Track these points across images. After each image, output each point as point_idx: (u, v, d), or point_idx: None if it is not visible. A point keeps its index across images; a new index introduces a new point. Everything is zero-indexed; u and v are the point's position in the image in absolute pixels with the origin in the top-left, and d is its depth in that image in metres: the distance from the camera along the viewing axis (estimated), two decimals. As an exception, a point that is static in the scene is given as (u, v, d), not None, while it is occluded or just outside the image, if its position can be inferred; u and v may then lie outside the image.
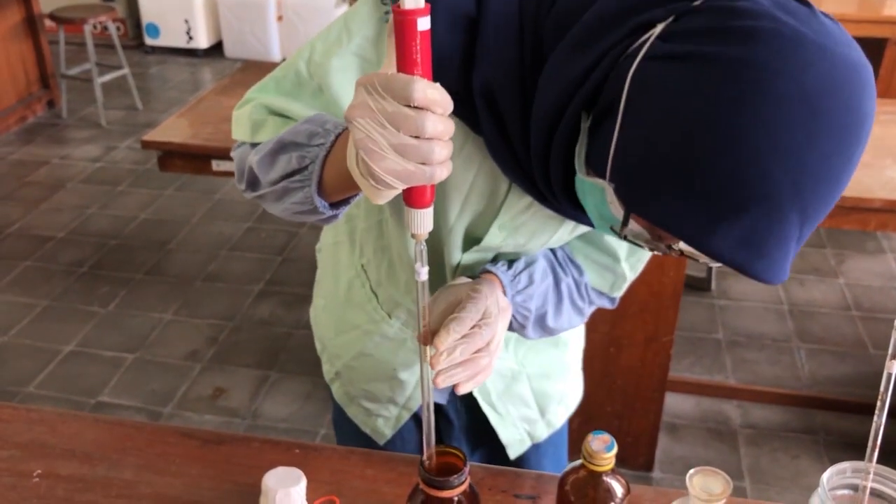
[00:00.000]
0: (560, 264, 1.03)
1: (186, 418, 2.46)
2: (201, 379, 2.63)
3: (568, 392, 1.23)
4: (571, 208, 0.81)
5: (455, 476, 0.84)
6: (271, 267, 3.20)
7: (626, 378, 2.13)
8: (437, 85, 0.62)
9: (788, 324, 2.88)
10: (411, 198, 0.70)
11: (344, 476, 1.06)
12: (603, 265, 1.05)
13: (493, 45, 0.76)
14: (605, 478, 0.85)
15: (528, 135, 0.78)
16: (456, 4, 0.76)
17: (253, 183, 0.91)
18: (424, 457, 0.84)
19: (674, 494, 1.03)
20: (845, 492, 0.80)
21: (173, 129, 2.14)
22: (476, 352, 0.83)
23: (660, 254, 0.76)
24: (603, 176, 0.69)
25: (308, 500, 1.01)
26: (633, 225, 0.71)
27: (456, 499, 0.85)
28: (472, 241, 0.97)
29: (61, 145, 4.34)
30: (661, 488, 1.05)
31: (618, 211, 0.70)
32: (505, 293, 0.95)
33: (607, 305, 1.10)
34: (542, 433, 1.23)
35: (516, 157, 0.81)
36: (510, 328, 1.00)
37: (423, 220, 0.71)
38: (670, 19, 0.65)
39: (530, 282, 0.98)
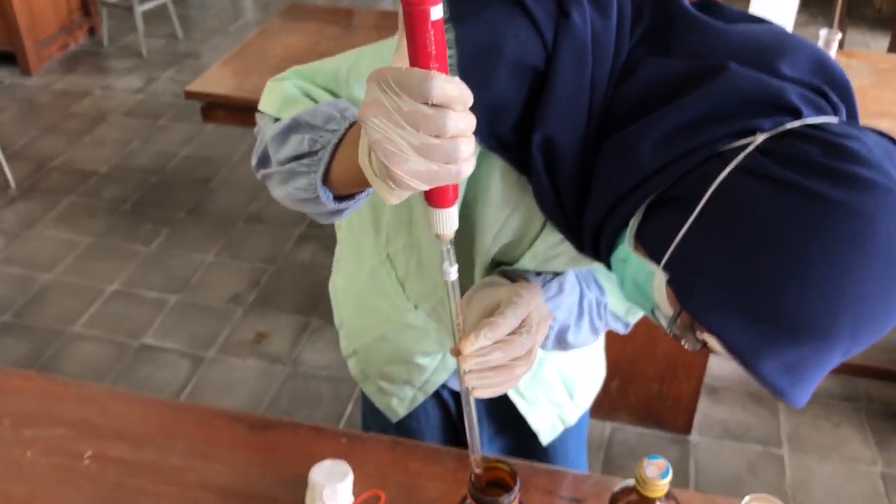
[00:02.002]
0: (584, 280, 1.00)
1: (229, 363, 2.50)
2: (243, 323, 2.65)
3: (593, 373, 1.23)
4: (608, 266, 0.79)
5: (506, 495, 0.83)
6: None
7: (670, 342, 2.11)
8: (455, 79, 0.56)
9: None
10: (434, 198, 0.65)
11: (389, 469, 1.06)
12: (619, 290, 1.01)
13: (563, 106, 0.72)
14: (657, 503, 0.84)
15: (581, 194, 0.75)
16: (524, 54, 0.72)
17: (264, 160, 0.87)
18: (473, 467, 0.83)
19: (720, 501, 1.02)
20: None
21: (216, 80, 2.10)
22: (514, 360, 0.81)
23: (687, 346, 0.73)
24: (656, 260, 0.68)
25: (353, 492, 1.01)
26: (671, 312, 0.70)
27: (506, 515, 0.85)
28: (501, 265, 0.95)
29: (103, 75, 4.33)
30: (707, 495, 1.04)
31: (661, 297, 0.69)
32: None
33: (620, 330, 1.07)
34: (573, 416, 1.22)
35: (563, 210, 0.78)
36: None
37: (447, 220, 0.67)
38: (775, 131, 0.63)
39: (560, 291, 0.94)
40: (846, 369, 2.46)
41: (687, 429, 2.26)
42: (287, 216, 3.14)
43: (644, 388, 2.21)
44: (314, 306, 2.71)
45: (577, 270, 0.99)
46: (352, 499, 1.01)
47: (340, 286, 1.20)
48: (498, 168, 0.81)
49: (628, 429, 2.28)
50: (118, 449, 1.08)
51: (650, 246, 0.69)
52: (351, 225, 1.15)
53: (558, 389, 1.18)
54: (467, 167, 0.59)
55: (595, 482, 1.04)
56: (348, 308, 1.19)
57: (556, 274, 0.95)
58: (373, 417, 1.28)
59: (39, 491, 1.02)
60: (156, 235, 3.07)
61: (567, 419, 1.21)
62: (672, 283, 0.67)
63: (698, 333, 0.69)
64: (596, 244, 0.77)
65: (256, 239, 3.04)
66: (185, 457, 1.07)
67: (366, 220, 1.11)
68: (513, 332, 0.81)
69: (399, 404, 1.20)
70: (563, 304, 0.94)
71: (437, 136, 0.56)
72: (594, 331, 1.02)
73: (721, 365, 2.47)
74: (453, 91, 0.56)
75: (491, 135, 0.75)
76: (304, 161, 0.79)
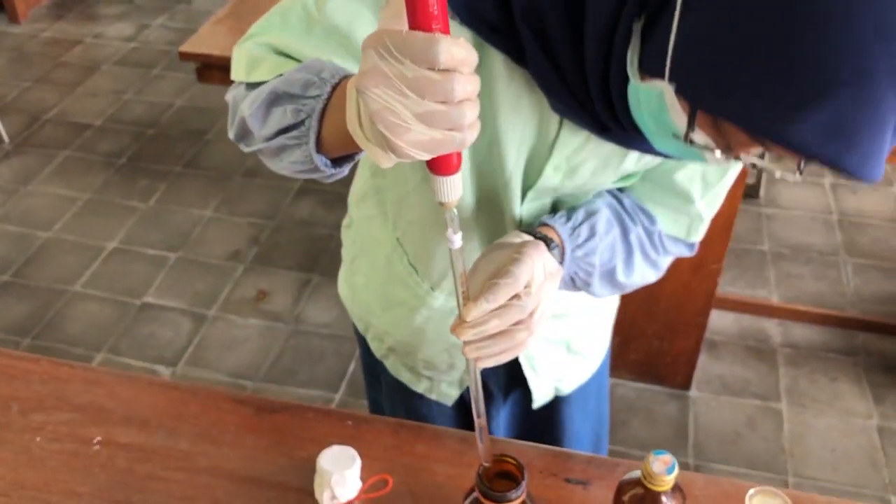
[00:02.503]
0: (628, 213, 0.97)
1: (231, 321, 2.51)
2: (244, 280, 2.65)
3: (592, 350, 1.21)
4: (632, 130, 0.75)
5: (514, 490, 0.84)
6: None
7: (670, 302, 2.12)
8: (461, 40, 0.54)
9: (836, 235, 2.82)
10: (438, 165, 0.63)
11: (395, 453, 1.07)
12: (676, 208, 0.98)
13: None
14: (663, 497, 0.85)
15: (580, 56, 0.71)
16: None
17: (245, 136, 0.84)
18: (482, 460, 0.84)
19: (725, 483, 1.03)
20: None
21: (210, 39, 2.06)
22: (516, 324, 0.78)
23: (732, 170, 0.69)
24: (661, 75, 0.63)
25: (362, 478, 1.03)
26: (699, 135, 0.65)
27: (513, 509, 0.86)
28: (529, 187, 0.92)
29: (93, 22, 4.24)
30: (711, 476, 1.05)
31: (679, 117, 0.65)
32: (563, 249, 0.91)
33: (685, 253, 1.03)
34: (567, 388, 1.21)
35: (567, 85, 0.75)
36: (574, 286, 0.96)
37: (451, 188, 0.65)
38: None
39: (592, 234, 0.92)
40: (844, 322, 2.47)
41: (686, 384, 2.28)
42: (285, 170, 3.11)
43: (644, 346, 2.23)
44: (315, 263, 2.71)
45: (617, 205, 0.96)
46: (360, 484, 1.02)
47: (361, 285, 1.18)
48: (501, 76, 0.79)
49: (628, 385, 2.31)
50: (127, 434, 1.09)
51: (651, 66, 0.65)
52: (359, 219, 1.14)
53: (563, 361, 1.17)
54: (472, 133, 0.57)
55: (600, 464, 1.05)
56: (374, 305, 1.17)
57: (588, 216, 0.93)
58: (389, 401, 1.28)
59: (52, 478, 1.03)
60: (153, 190, 3.05)
61: (563, 390, 1.21)
62: (679, 89, 0.63)
63: (725, 143, 0.65)
64: (610, 106, 0.73)
65: (255, 193, 3.03)
66: (194, 441, 1.08)
67: (373, 208, 1.10)
68: (514, 295, 0.77)
69: (450, 387, 1.20)
70: (600, 247, 0.92)
71: (443, 103, 0.54)
72: (652, 264, 0.99)
73: (720, 319, 2.48)
74: (460, 54, 0.53)
75: (476, 17, 0.74)
76: (292, 134, 0.76)
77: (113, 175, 3.13)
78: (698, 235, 1.01)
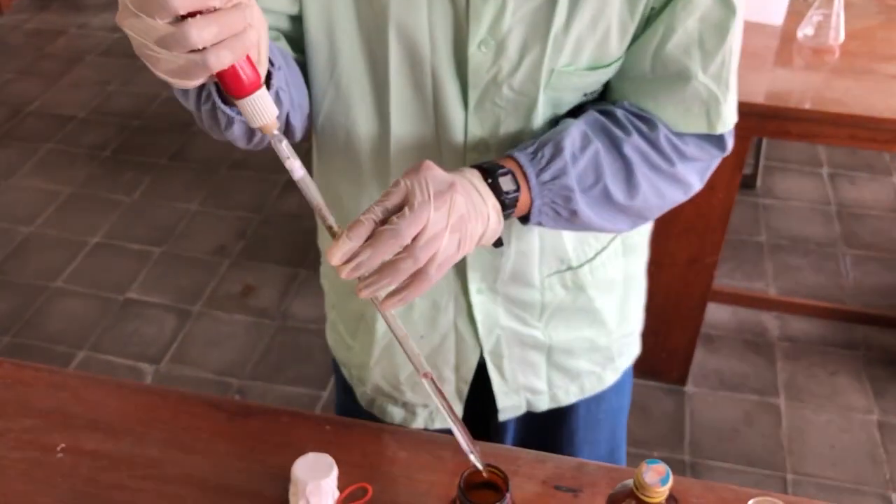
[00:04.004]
0: (618, 124, 0.85)
1: (216, 317, 2.45)
2: (230, 275, 2.60)
3: (586, 374, 1.12)
4: None
5: (497, 502, 0.79)
6: (299, 153, 3.10)
7: (666, 296, 2.06)
8: None
9: (835, 227, 2.77)
10: (228, 86, 0.62)
11: (376, 459, 1.01)
12: (678, 96, 0.85)
13: None
14: (657, 509, 0.79)
15: None
16: None
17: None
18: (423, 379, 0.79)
19: (722, 490, 0.98)
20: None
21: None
22: (399, 254, 0.69)
23: None
24: None
25: (339, 486, 0.97)
26: None
27: (497, 522, 0.80)
28: (465, 85, 0.85)
29: (77, 12, 4.16)
30: (708, 482, 1.00)
31: None
32: (525, 175, 0.81)
33: (716, 153, 0.89)
34: (543, 405, 1.14)
35: None
36: (562, 219, 0.84)
37: (257, 108, 0.63)
38: None
39: (556, 151, 0.81)
40: (845, 315, 2.42)
41: (682, 379, 2.23)
42: (273, 162, 3.05)
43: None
44: (303, 257, 2.65)
45: (601, 118, 0.85)
46: (337, 493, 0.96)
47: (333, 319, 1.16)
48: None
49: (623, 380, 2.26)
50: (93, 440, 1.03)
51: None
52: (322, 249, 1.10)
53: (539, 375, 1.09)
54: (215, 55, 0.57)
55: (591, 470, 1.00)
56: (346, 335, 1.14)
57: (553, 137, 0.83)
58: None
59: (10, 489, 0.98)
60: (138, 184, 2.98)
61: (536, 406, 1.13)
62: None
63: None
64: None
65: (242, 186, 2.96)
66: (163, 448, 1.03)
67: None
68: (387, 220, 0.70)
69: (455, 401, 1.12)
70: (573, 167, 0.82)
71: (174, 23, 0.56)
72: (669, 177, 0.86)
73: (717, 312, 2.43)
74: None
75: None
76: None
77: (97, 168, 3.06)
78: (723, 123, 0.86)
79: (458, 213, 0.72)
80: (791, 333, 2.40)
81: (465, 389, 1.10)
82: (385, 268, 0.69)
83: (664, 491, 0.77)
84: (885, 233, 2.75)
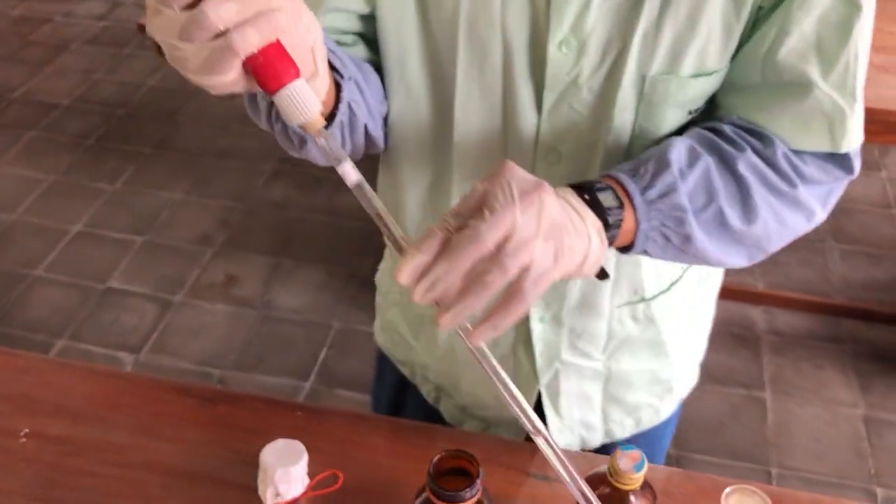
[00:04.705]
0: (728, 139, 0.75)
1: (198, 307, 2.42)
2: (213, 265, 2.56)
3: (644, 406, 1.04)
4: None
5: (467, 489, 0.76)
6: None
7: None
8: None
9: (823, 222, 2.75)
10: (261, 81, 0.56)
11: (349, 446, 0.99)
12: (795, 107, 0.74)
13: None
14: (631, 497, 0.77)
15: None
16: None
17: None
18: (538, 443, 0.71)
19: (701, 479, 0.96)
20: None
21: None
22: (479, 265, 0.58)
23: None
24: None
25: (310, 473, 0.95)
26: None
27: (468, 510, 0.78)
28: (541, 85, 0.77)
29: (63, 0, 4.12)
30: (686, 472, 0.97)
31: None
32: (628, 193, 0.70)
33: (841, 175, 0.78)
34: (596, 442, 1.06)
35: None
36: (672, 245, 0.73)
37: (297, 102, 0.56)
38: None
39: (661, 166, 0.71)
40: (832, 310, 2.41)
41: (668, 372, 2.21)
42: (258, 151, 3.02)
43: (625, 333, 2.16)
44: (287, 247, 2.62)
45: (709, 135, 0.76)
46: (307, 480, 0.94)
47: (395, 316, 1.08)
48: None
49: (608, 373, 2.24)
50: (58, 426, 1.00)
51: None
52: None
53: (594, 409, 1.01)
54: (240, 35, 0.53)
55: (567, 458, 0.97)
56: (408, 334, 1.06)
57: (658, 151, 0.74)
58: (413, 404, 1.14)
59: (-30, 475, 0.95)
60: (121, 172, 2.95)
61: (589, 443, 1.06)
62: None
63: None
64: None
65: (226, 175, 2.93)
66: (130, 434, 1.00)
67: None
68: (460, 227, 0.60)
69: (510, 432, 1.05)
70: (683, 184, 0.71)
71: (189, 8, 0.53)
72: (790, 200, 0.75)
73: (704, 306, 2.41)
74: None
75: None
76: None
77: (80, 156, 3.03)
78: (849, 140, 0.75)
79: (551, 217, 0.60)
80: (778, 327, 2.38)
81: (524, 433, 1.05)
82: (468, 285, 0.58)
83: (639, 477, 0.75)
84: (873, 228, 2.74)
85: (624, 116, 0.77)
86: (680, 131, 0.79)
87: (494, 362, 0.62)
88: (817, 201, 0.78)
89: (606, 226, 0.67)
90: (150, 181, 2.90)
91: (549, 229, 0.59)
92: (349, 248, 2.54)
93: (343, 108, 0.73)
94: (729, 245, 0.75)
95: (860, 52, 0.74)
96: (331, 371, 2.22)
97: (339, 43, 0.81)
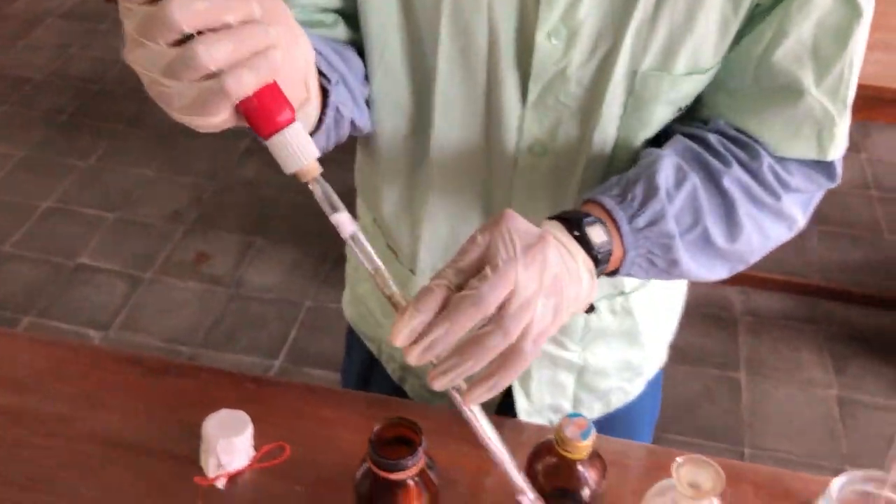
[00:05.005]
0: (715, 153, 0.74)
1: (168, 284, 2.38)
2: (184, 242, 2.53)
3: (614, 390, 1.03)
4: None
5: (409, 457, 0.74)
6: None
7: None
8: None
9: (802, 202, 2.74)
10: (254, 124, 0.51)
11: (298, 418, 0.96)
12: (787, 114, 0.73)
13: None
14: (579, 465, 0.75)
15: None
16: None
17: None
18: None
19: (657, 452, 0.93)
20: (855, 497, 0.70)
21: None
22: (484, 327, 0.56)
23: None
24: None
25: (256, 445, 0.92)
26: None
27: (411, 481, 0.76)
28: (526, 74, 0.74)
29: (39, -26, 4.05)
30: (641, 444, 0.95)
31: None
32: (616, 223, 0.69)
33: (824, 182, 0.78)
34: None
35: None
36: (658, 269, 0.72)
37: (292, 148, 0.52)
38: None
39: (650, 191, 0.69)
40: (808, 290, 2.40)
41: (642, 352, 2.19)
42: (232, 129, 2.96)
43: (599, 312, 2.14)
44: (259, 225, 2.59)
45: (694, 146, 0.74)
46: (252, 452, 0.91)
47: (365, 292, 1.05)
48: None
49: (582, 352, 2.22)
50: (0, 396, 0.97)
51: None
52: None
53: (566, 395, 1.00)
54: (234, 79, 0.48)
55: (517, 428, 0.95)
56: (377, 313, 1.04)
57: (643, 171, 0.71)
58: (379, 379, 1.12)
59: None
60: (94, 149, 2.90)
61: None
62: None
63: None
64: None
65: (199, 153, 2.88)
66: (73, 404, 0.97)
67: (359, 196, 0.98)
68: (462, 286, 0.57)
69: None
70: (671, 208, 0.70)
71: (176, 45, 0.47)
72: (774, 213, 0.75)
73: (680, 286, 2.40)
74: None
75: None
76: None
77: (52, 132, 2.97)
78: (836, 148, 0.75)
79: (553, 272, 0.58)
80: (754, 308, 2.37)
81: (493, 412, 1.01)
82: (467, 347, 0.56)
83: (586, 446, 0.72)
84: (852, 210, 2.72)
85: (612, 111, 0.75)
86: (665, 129, 0.78)
87: (486, 422, 0.61)
88: (799, 209, 0.78)
89: (596, 262, 0.65)
90: (122, 158, 2.86)
91: (550, 286, 0.58)
92: (323, 228, 2.48)
93: (330, 112, 0.69)
94: (712, 262, 0.75)
95: (855, 60, 0.72)
96: (301, 350, 2.19)
97: (320, 24, 0.77)
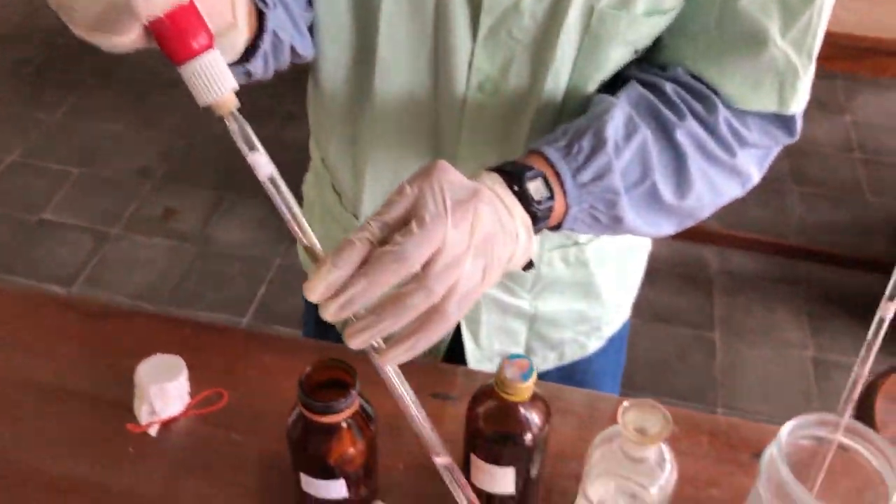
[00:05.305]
0: (670, 104, 0.70)
1: (135, 241, 2.33)
2: (151, 198, 2.47)
3: (569, 342, 0.99)
4: None
5: (343, 399, 0.70)
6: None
7: (599, 223, 1.98)
8: None
9: (784, 163, 2.70)
10: (167, 47, 0.47)
11: (238, 364, 0.92)
12: (748, 63, 0.69)
13: None
14: (521, 408, 0.71)
15: None
16: None
17: None
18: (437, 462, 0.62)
19: (605, 399, 0.90)
20: (806, 442, 0.66)
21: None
22: (407, 286, 0.52)
23: None
24: None
25: (193, 392, 0.88)
26: None
27: (344, 423, 0.72)
28: (475, 7, 0.70)
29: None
30: (594, 392, 0.91)
31: None
32: (559, 177, 0.64)
33: (782, 138, 0.73)
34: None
35: None
36: (602, 225, 0.69)
37: (206, 79, 0.48)
38: None
39: (597, 144, 0.65)
40: (787, 251, 2.36)
41: (617, 312, 2.16)
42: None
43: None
44: (229, 181, 2.53)
45: (649, 96, 0.70)
46: (187, 399, 0.87)
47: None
48: None
49: (556, 312, 2.19)
50: (-77, 340, 0.93)
51: None
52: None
53: (518, 343, 0.97)
54: None
55: (469, 377, 0.91)
56: None
57: (591, 122, 0.67)
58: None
59: None
60: (61, 102, 2.83)
61: None
62: None
63: None
64: None
65: (169, 107, 2.82)
66: (5, 350, 0.92)
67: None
68: (387, 241, 0.53)
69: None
70: (619, 162, 0.66)
71: None
72: (727, 169, 0.71)
73: (656, 245, 2.36)
74: None
75: None
76: None
77: (19, 85, 2.90)
78: (798, 101, 0.70)
79: (484, 230, 0.54)
80: (731, 268, 2.33)
81: (441, 353, 0.98)
82: (387, 305, 0.52)
83: (527, 387, 0.68)
84: (834, 171, 2.68)
85: (566, 50, 0.71)
86: (621, 73, 0.74)
87: (409, 390, 0.57)
88: (755, 165, 0.74)
89: (534, 219, 0.61)
90: (90, 112, 2.79)
91: (480, 245, 0.54)
92: (295, 183, 2.43)
93: (267, 38, 0.64)
94: (658, 218, 0.72)
95: (824, 10, 0.68)
96: (269, 307, 2.15)
97: None
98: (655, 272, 2.29)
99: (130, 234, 2.35)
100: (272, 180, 0.53)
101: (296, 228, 0.54)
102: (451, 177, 0.55)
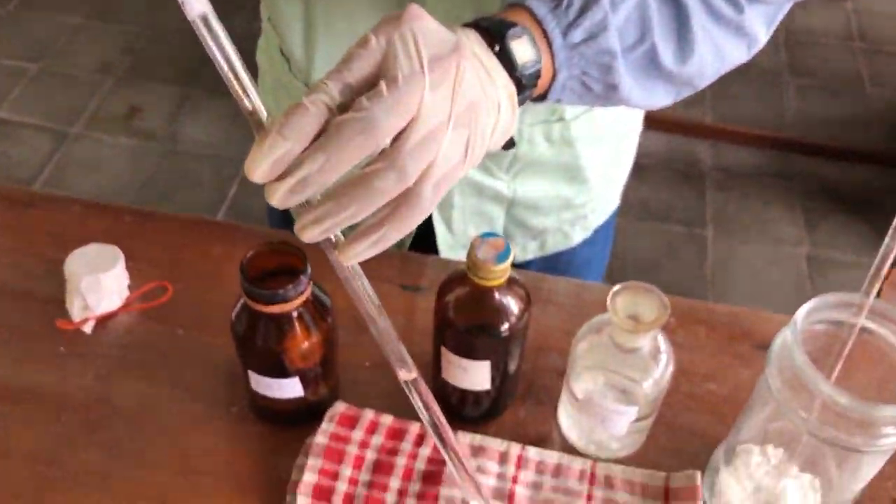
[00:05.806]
0: None
1: (97, 140, 2.20)
2: (114, 95, 2.33)
3: (551, 231, 0.91)
4: None
5: (291, 287, 0.61)
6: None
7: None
8: None
9: (781, 54, 2.56)
10: None
11: (185, 254, 0.83)
12: None
13: None
14: (496, 294, 0.62)
15: None
16: None
17: None
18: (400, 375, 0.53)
19: (594, 288, 0.81)
20: (822, 327, 0.58)
21: None
22: (374, 163, 0.42)
23: None
24: None
25: (134, 286, 0.79)
26: None
27: (295, 313, 0.63)
28: None
29: None
30: (579, 281, 0.83)
31: None
32: (546, 35, 0.55)
33: None
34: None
35: None
36: (593, 94, 0.59)
37: None
38: None
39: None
40: (783, 144, 2.26)
41: (605, 209, 2.07)
42: (167, -28, 2.72)
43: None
44: (195, 76, 2.38)
45: None
46: (126, 293, 0.78)
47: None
48: None
49: (542, 210, 2.09)
50: None
51: None
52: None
53: (495, 229, 0.88)
54: None
55: (441, 267, 0.82)
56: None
57: None
58: None
59: None
60: (13, -6, 2.65)
61: None
62: None
63: None
64: None
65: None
66: (-81, 241, 0.83)
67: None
68: (347, 107, 0.42)
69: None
70: (615, 18, 0.56)
71: None
72: (733, 27, 0.62)
73: (649, 140, 2.25)
74: None
75: None
76: None
77: (-32, -24, 2.71)
78: None
79: (467, 96, 0.44)
80: (725, 163, 2.23)
81: (408, 242, 0.88)
82: (349, 188, 0.41)
83: (502, 270, 0.59)
84: (833, 61, 2.56)
85: None
86: None
87: (374, 295, 0.49)
88: (763, 25, 0.64)
89: (519, 87, 0.51)
90: (46, 3, 2.62)
91: (463, 113, 0.44)
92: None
93: None
94: (656, 86, 0.62)
95: None
96: (241, 208, 2.04)
97: None
98: (646, 168, 2.19)
99: (92, 133, 2.22)
100: (204, 19, 0.40)
101: (234, 83, 0.42)
102: (427, 24, 0.44)
